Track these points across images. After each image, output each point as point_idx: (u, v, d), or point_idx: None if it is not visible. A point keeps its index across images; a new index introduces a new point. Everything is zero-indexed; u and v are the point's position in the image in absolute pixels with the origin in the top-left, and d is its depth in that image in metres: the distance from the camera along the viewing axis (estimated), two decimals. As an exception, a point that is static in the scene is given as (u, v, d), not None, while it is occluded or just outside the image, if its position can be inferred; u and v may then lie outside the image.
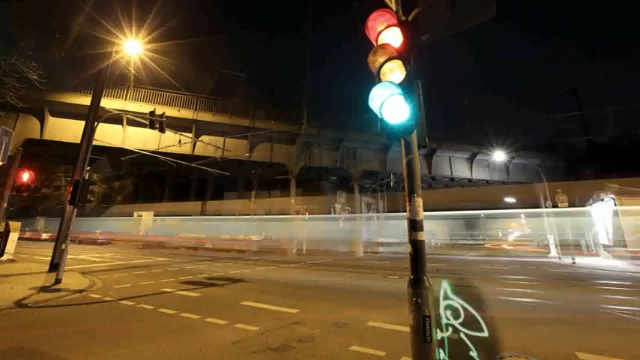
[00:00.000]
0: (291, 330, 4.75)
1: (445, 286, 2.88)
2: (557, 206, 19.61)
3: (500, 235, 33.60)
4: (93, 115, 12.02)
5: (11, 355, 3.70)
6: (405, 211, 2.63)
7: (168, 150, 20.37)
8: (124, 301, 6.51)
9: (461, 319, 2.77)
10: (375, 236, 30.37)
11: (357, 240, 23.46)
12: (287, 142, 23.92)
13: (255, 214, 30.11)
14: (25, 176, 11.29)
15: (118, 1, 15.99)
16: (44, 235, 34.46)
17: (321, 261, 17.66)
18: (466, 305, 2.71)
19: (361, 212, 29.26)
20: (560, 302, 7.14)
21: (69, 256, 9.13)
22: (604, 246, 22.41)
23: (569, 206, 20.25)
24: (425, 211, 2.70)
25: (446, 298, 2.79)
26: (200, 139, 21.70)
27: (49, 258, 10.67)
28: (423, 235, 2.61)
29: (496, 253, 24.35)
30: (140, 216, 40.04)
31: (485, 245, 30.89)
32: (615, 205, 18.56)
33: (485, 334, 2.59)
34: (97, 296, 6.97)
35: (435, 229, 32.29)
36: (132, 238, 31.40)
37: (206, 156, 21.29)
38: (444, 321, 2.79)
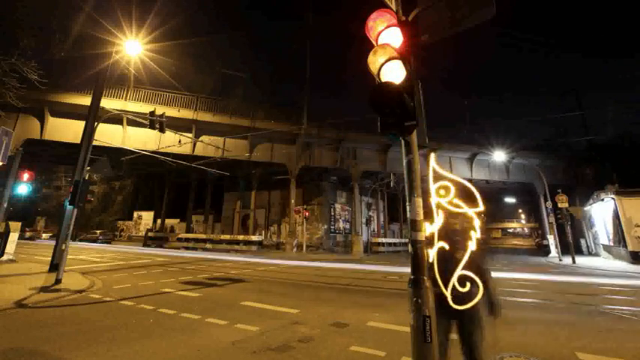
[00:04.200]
0: (291, 330, 4.75)
1: None
2: (557, 206, 19.61)
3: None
4: (93, 115, 12.01)
5: (11, 355, 3.70)
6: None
7: (168, 150, 20.39)
8: (124, 302, 6.50)
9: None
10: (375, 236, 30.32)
11: (357, 240, 23.46)
12: (287, 142, 23.92)
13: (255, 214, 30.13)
14: (25, 176, 11.30)
15: (118, 1, 15.97)
16: (44, 235, 34.55)
17: (321, 261, 17.66)
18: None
19: (361, 212, 29.25)
20: (560, 302, 7.14)
21: (69, 256, 9.13)
22: (604, 246, 22.44)
23: (570, 206, 20.24)
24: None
25: None
26: (200, 139, 21.70)
27: (49, 258, 10.65)
28: (423, 236, 2.61)
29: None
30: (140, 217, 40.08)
31: None
32: (615, 205, 18.58)
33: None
34: (97, 296, 6.97)
35: None
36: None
37: (206, 156, 21.30)
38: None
